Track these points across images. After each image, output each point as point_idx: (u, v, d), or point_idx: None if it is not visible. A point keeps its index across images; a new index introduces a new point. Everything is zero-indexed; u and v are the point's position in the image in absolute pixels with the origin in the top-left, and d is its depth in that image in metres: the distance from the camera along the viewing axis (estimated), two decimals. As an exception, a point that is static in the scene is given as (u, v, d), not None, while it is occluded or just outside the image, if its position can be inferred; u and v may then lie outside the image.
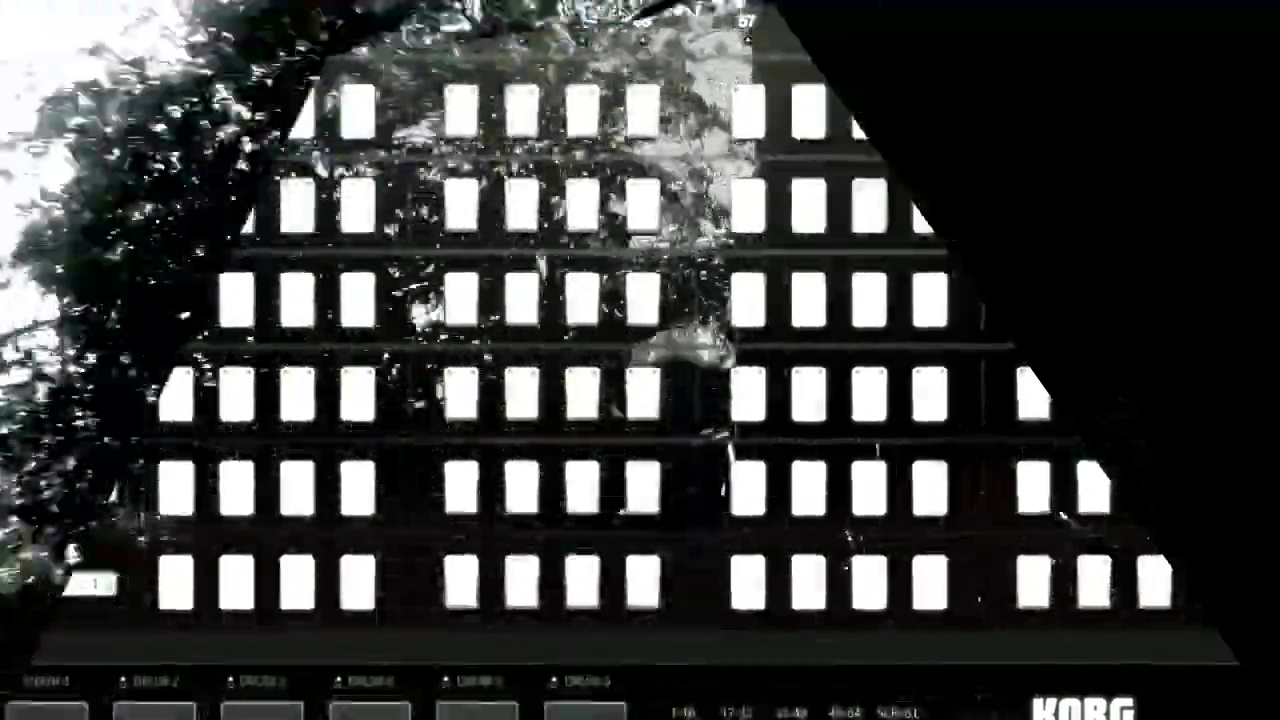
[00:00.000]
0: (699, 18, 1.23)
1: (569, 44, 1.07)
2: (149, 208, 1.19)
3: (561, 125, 1.22)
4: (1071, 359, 1.16)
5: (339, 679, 1.15)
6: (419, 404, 1.22)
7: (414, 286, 1.22)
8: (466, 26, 1.11)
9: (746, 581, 1.17)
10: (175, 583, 1.17)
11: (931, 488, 1.17)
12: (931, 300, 1.19)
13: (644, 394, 1.21)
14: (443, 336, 1.23)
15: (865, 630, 1.17)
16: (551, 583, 1.18)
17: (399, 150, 1.23)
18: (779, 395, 1.19)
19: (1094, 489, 1.16)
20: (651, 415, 1.20)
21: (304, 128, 1.22)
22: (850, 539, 1.18)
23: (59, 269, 1.18)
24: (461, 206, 1.22)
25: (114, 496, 1.20)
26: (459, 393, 1.21)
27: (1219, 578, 1.12)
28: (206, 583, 1.17)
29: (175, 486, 1.18)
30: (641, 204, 1.22)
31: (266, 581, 1.17)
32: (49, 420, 1.22)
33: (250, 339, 1.21)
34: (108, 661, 1.16)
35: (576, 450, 1.20)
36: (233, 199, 1.24)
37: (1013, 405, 1.19)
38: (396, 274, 1.24)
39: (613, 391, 1.21)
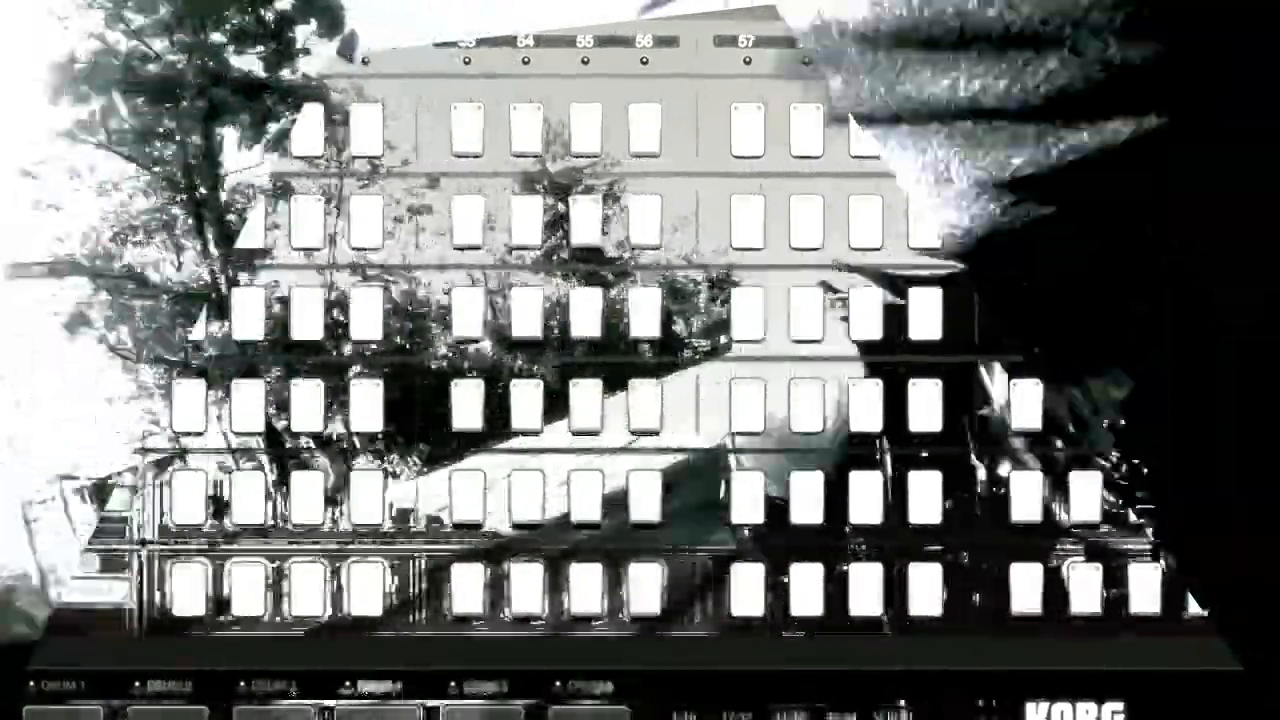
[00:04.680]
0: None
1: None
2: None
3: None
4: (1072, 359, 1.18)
5: (347, 683, 1.18)
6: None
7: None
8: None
9: (747, 588, 1.20)
10: (188, 589, 1.20)
11: (926, 497, 1.20)
12: (927, 313, 1.21)
13: (645, 402, 1.23)
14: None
15: (862, 636, 1.19)
16: (555, 589, 1.20)
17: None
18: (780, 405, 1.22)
19: (1086, 497, 1.19)
20: (653, 425, 1.23)
21: (313, 145, 1.23)
22: (850, 545, 1.20)
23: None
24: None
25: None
26: (466, 400, 1.23)
27: (1222, 580, 1.13)
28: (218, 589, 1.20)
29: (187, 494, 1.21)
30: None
31: (277, 588, 1.20)
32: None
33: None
34: (122, 666, 1.18)
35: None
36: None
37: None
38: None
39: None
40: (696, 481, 1.24)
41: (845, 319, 1.22)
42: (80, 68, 1.12)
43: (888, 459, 1.21)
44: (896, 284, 1.22)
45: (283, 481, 1.22)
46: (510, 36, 1.25)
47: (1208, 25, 1.04)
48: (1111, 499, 1.19)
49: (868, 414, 1.21)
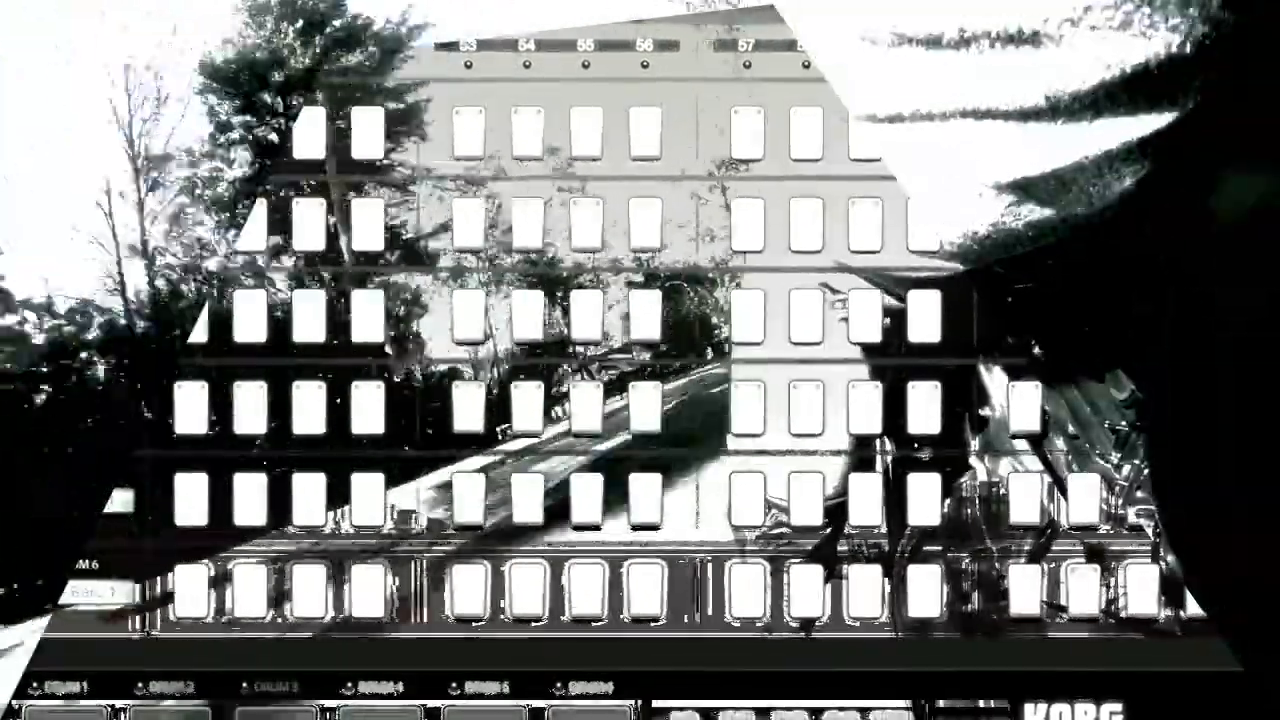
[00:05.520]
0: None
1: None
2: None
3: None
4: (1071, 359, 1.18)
5: (349, 684, 1.18)
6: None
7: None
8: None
9: (746, 589, 1.20)
10: (190, 590, 1.20)
11: (925, 497, 1.20)
12: (926, 316, 1.22)
13: (646, 406, 1.23)
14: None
15: (861, 637, 1.20)
16: (556, 590, 1.21)
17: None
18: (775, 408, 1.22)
19: (1084, 500, 1.19)
20: (654, 429, 1.23)
21: (314, 148, 1.24)
22: (849, 546, 1.21)
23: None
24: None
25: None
26: (465, 405, 1.24)
27: (1222, 580, 1.14)
28: (221, 589, 1.20)
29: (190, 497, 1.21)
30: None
31: (280, 588, 1.21)
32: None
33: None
34: (124, 667, 1.19)
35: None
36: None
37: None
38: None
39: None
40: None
41: (845, 319, 1.22)
42: None
43: (888, 460, 1.22)
44: (895, 286, 1.22)
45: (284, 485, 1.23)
46: (512, 40, 1.26)
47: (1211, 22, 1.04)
48: (1111, 499, 1.19)
49: (867, 415, 1.21)
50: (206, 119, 1.23)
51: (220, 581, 1.20)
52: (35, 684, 1.18)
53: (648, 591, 1.21)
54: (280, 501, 1.20)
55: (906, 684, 1.17)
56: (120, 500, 1.22)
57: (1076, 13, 1.06)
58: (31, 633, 1.19)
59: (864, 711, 1.17)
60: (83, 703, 1.18)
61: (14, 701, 1.17)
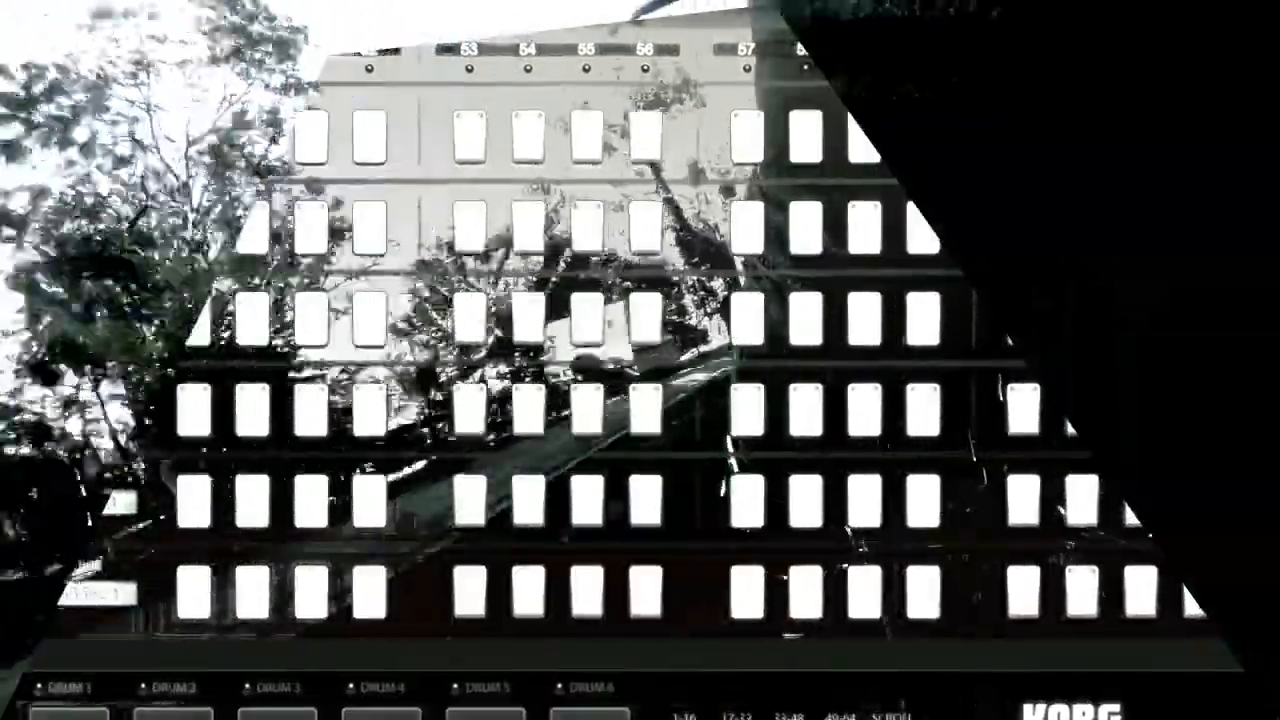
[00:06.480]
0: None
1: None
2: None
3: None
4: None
5: (351, 685, 1.18)
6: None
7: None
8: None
9: (746, 590, 1.21)
10: (193, 592, 1.21)
11: (924, 500, 1.20)
12: (925, 319, 1.22)
13: (648, 408, 1.24)
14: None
15: (861, 638, 1.20)
16: (557, 592, 1.21)
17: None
18: (777, 411, 1.23)
19: (1083, 501, 1.19)
20: (655, 430, 1.24)
21: (315, 150, 1.25)
22: (850, 541, 1.21)
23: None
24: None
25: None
26: (468, 408, 1.24)
27: (1222, 580, 1.13)
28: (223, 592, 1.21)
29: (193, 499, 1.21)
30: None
31: (286, 591, 1.21)
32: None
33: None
34: (128, 669, 1.19)
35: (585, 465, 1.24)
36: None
37: (1003, 420, 1.22)
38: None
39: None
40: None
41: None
42: None
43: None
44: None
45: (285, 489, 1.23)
46: (513, 44, 1.27)
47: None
48: (1109, 501, 1.19)
49: (867, 417, 1.22)
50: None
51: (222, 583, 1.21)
52: (39, 685, 1.18)
53: (648, 593, 1.21)
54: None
55: (909, 685, 1.17)
56: (122, 502, 1.23)
57: None
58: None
59: (863, 713, 1.17)
60: (86, 705, 1.18)
61: (17, 702, 1.17)
